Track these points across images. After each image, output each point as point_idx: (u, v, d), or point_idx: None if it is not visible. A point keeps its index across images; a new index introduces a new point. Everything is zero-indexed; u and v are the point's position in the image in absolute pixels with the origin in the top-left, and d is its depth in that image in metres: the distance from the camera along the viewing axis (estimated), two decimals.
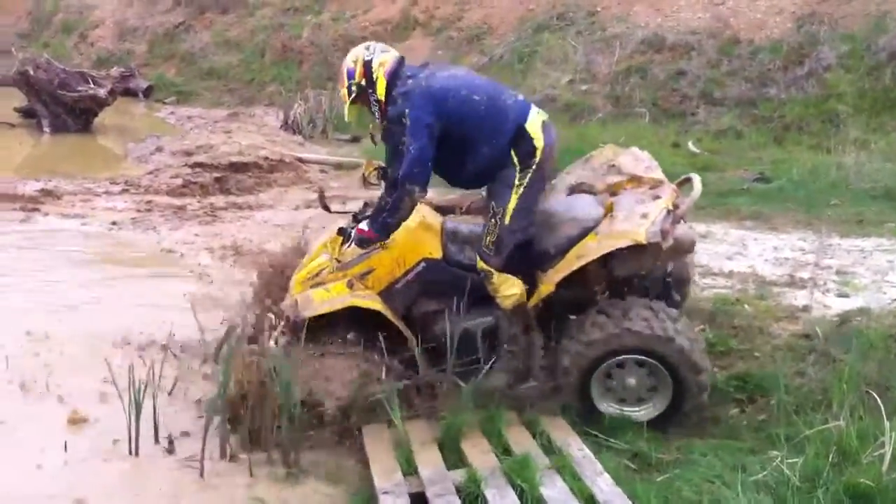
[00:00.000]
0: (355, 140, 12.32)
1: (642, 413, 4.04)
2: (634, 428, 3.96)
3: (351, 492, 3.61)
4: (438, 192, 4.97)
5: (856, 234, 7.04)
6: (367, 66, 4.06)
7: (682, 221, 4.02)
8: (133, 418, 3.82)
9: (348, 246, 4.18)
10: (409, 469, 3.61)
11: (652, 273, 4.23)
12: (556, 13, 14.60)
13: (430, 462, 3.64)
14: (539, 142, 4.01)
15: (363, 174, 4.41)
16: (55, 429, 4.05)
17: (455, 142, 3.96)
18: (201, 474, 3.69)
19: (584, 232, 4.00)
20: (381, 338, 4.00)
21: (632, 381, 3.99)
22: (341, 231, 4.22)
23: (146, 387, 3.86)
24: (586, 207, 4.16)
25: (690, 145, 10.73)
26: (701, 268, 6.10)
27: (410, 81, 3.99)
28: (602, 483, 3.45)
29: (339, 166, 10.90)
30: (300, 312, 3.98)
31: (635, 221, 3.90)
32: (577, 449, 3.73)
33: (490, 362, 4.08)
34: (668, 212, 3.94)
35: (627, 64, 12.88)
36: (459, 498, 3.38)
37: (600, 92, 12.66)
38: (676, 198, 4.09)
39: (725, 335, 4.92)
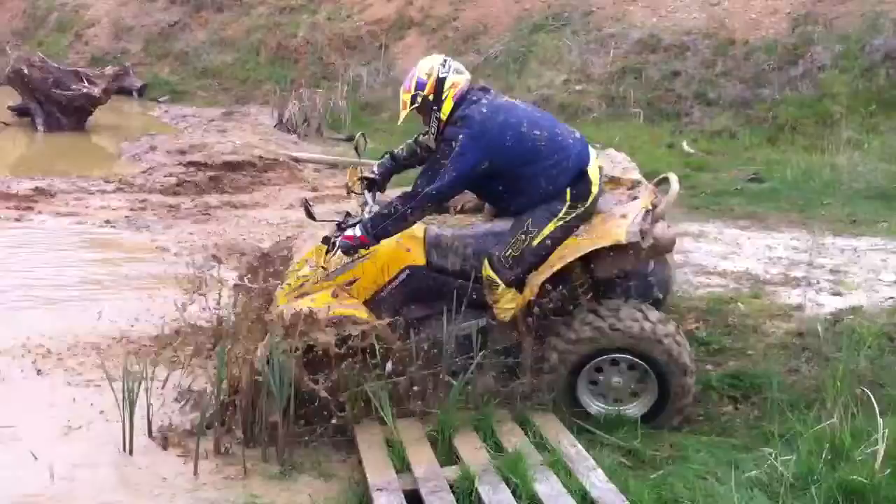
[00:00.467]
0: (350, 139, 12.30)
1: (630, 411, 4.07)
2: (628, 425, 3.97)
3: (344, 489, 3.61)
4: None
5: (849, 233, 7.06)
6: (440, 83, 4.02)
7: (660, 220, 4.05)
8: (127, 415, 3.81)
9: (333, 255, 4.12)
10: (402, 466, 3.61)
11: (633, 273, 4.25)
12: (552, 13, 14.60)
13: (422, 459, 3.64)
14: (595, 188, 4.05)
15: (347, 183, 4.44)
16: (47, 426, 4.04)
17: (511, 176, 3.99)
18: (195, 471, 3.68)
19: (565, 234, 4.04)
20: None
21: (617, 380, 4.03)
22: (325, 240, 4.17)
23: (140, 383, 3.85)
24: None
25: (685, 145, 10.75)
26: (695, 267, 6.12)
27: (473, 107, 3.97)
28: (595, 479, 3.45)
29: (333, 165, 10.90)
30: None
31: (615, 222, 3.96)
32: (570, 445, 3.74)
33: (479, 363, 4.07)
34: (647, 211, 3.99)
35: (622, 64, 12.90)
36: (453, 494, 3.38)
37: (595, 92, 12.69)
38: (654, 197, 4.13)
39: (719, 333, 4.94)
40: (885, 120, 10.57)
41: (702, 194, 8.32)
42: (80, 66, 15.32)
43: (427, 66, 4.07)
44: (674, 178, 4.22)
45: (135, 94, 16.26)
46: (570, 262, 3.99)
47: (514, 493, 3.36)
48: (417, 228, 4.24)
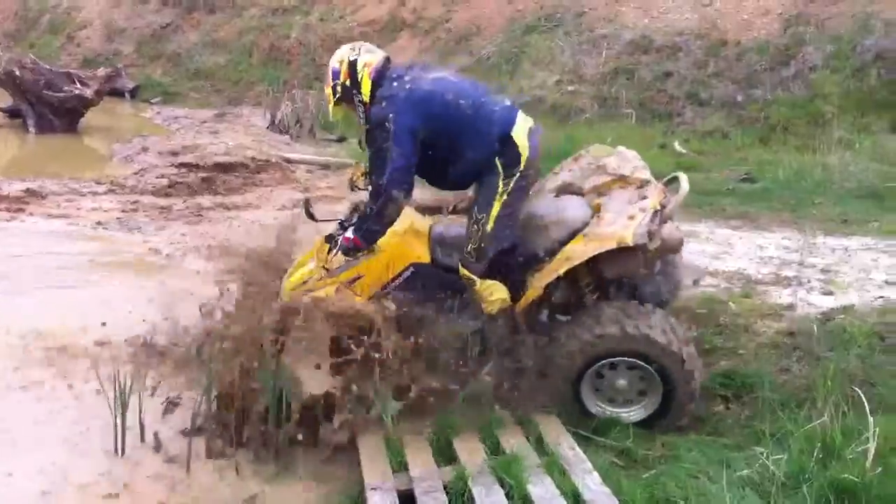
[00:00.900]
0: (342, 140, 12.32)
1: (632, 415, 4.05)
2: (621, 425, 3.97)
3: (339, 489, 3.61)
4: (424, 192, 4.97)
5: (840, 232, 7.09)
6: (353, 66, 4.00)
7: (669, 221, 4.03)
8: (119, 417, 3.80)
9: (335, 253, 4.11)
10: (400, 466, 3.61)
11: (640, 273, 4.23)
12: (544, 14, 14.64)
13: (420, 459, 3.64)
14: (524, 150, 3.96)
15: (350, 178, 4.38)
16: (39, 429, 4.03)
17: (439, 146, 3.92)
18: (188, 473, 3.68)
19: (572, 234, 4.00)
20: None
21: (622, 382, 4.01)
22: (328, 238, 4.17)
23: (131, 385, 3.85)
24: (574, 209, 4.15)
25: (677, 146, 10.79)
26: (687, 267, 6.13)
27: (395, 84, 3.92)
28: (590, 481, 3.45)
29: (325, 166, 10.90)
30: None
31: (622, 223, 3.90)
32: (569, 447, 3.73)
33: (482, 364, 4.07)
34: (656, 212, 3.95)
35: (614, 65, 12.94)
36: (447, 495, 3.38)
37: (587, 93, 12.72)
38: (664, 198, 4.09)
39: (711, 333, 4.95)
40: (876, 120, 10.62)
41: (694, 194, 8.33)
42: (72, 68, 15.30)
43: (338, 56, 4.07)
44: (683, 178, 4.18)
45: (127, 95, 16.25)
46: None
47: (507, 494, 3.36)
48: (422, 226, 4.23)
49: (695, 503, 3.27)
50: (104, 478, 3.68)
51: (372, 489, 3.43)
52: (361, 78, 3.99)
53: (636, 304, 4.03)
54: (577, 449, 3.72)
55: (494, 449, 3.75)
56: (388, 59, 4.10)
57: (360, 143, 4.46)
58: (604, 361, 3.95)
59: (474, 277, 3.99)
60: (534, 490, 3.39)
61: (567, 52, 13.50)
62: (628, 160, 4.48)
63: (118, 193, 9.07)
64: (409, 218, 4.20)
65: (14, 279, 6.08)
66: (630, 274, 4.12)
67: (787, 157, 9.95)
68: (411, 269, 4.14)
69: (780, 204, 8.18)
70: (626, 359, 3.93)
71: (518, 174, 3.95)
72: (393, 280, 4.14)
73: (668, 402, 3.98)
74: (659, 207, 3.98)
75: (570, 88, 12.88)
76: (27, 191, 8.78)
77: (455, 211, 4.65)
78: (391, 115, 3.82)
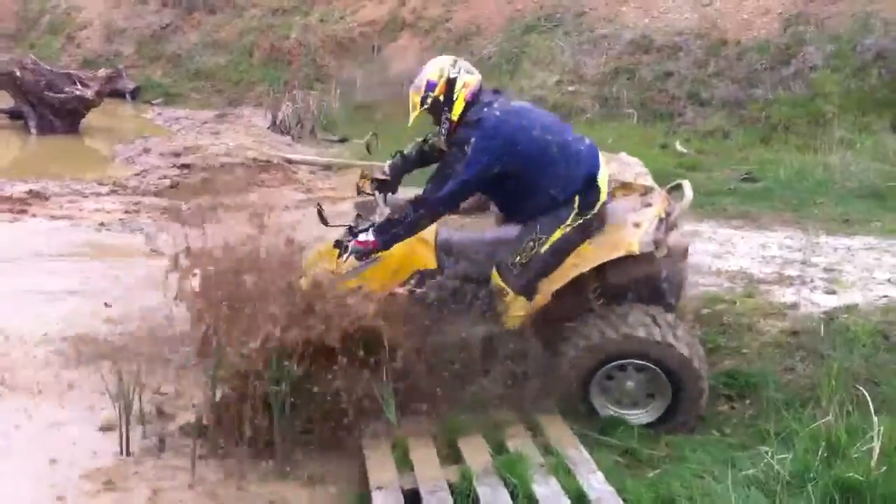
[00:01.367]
0: (343, 141, 12.32)
1: (641, 417, 4.06)
2: (626, 425, 3.98)
3: (343, 489, 3.62)
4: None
5: (842, 232, 7.08)
6: (451, 83, 3.95)
7: (674, 229, 4.04)
8: (123, 417, 3.81)
9: (346, 259, 4.09)
10: (406, 466, 3.61)
11: (646, 278, 4.24)
12: (544, 14, 14.63)
13: (425, 459, 3.65)
14: (603, 195, 4.02)
15: (357, 184, 4.35)
16: (43, 428, 4.04)
17: (520, 180, 3.94)
18: (192, 473, 3.68)
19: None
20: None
21: (630, 384, 4.01)
22: (338, 244, 4.13)
23: (136, 386, 3.85)
24: None
25: (678, 146, 10.78)
26: (690, 267, 6.12)
27: (486, 110, 3.91)
28: (594, 481, 3.45)
29: (327, 167, 10.90)
30: None
31: (628, 231, 3.94)
32: (574, 448, 3.73)
33: (488, 370, 4.05)
34: (661, 220, 3.96)
35: (615, 65, 12.93)
36: (452, 495, 3.38)
37: (588, 93, 12.72)
38: (668, 205, 4.11)
39: (714, 332, 4.95)
40: (877, 119, 10.62)
41: (695, 194, 8.32)
42: (73, 69, 15.27)
43: (437, 68, 4.00)
44: (687, 186, 4.21)
45: (128, 96, 16.23)
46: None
47: (512, 494, 3.37)
48: (428, 232, 4.21)
49: (700, 503, 3.27)
50: (109, 477, 3.68)
51: (377, 489, 3.43)
52: (457, 98, 3.96)
53: (643, 307, 4.04)
54: (582, 448, 3.73)
55: (499, 449, 3.75)
56: (480, 82, 4.06)
57: (367, 147, 4.45)
58: (612, 364, 3.96)
59: (508, 289, 3.98)
60: (538, 490, 3.39)
61: (567, 52, 13.49)
62: (629, 166, 4.50)
63: (120, 194, 9.09)
64: None
65: (15, 279, 6.09)
66: (635, 281, 4.13)
67: (788, 156, 9.93)
68: (418, 276, 4.12)
69: (781, 203, 8.17)
70: (635, 361, 3.94)
71: (590, 215, 3.98)
72: (400, 286, 4.12)
73: (676, 405, 3.99)
74: (664, 215, 4.00)
75: (570, 88, 12.87)
76: (30, 192, 8.79)
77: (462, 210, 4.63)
78: (473, 140, 3.83)
